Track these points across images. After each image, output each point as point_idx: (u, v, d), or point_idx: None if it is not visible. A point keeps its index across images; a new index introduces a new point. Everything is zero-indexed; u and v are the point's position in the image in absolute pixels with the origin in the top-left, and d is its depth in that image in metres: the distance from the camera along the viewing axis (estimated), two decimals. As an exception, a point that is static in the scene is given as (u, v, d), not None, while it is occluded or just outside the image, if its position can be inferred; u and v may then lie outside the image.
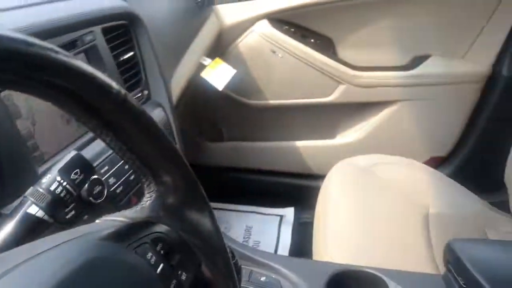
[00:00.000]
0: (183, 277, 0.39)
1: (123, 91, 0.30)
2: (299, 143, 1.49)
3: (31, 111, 0.55)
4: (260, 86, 1.39)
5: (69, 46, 0.64)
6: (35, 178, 0.48)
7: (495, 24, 1.31)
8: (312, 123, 1.47)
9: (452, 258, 0.76)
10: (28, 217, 0.39)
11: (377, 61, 1.38)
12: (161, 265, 0.36)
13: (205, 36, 1.17)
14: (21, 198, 0.43)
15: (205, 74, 1.12)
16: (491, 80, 1.36)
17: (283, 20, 1.33)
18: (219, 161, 1.57)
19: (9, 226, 0.40)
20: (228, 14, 1.30)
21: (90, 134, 0.64)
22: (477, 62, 1.35)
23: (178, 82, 0.96)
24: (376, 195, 1.17)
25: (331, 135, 1.49)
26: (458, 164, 1.47)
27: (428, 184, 1.26)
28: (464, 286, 0.74)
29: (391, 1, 1.31)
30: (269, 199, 1.58)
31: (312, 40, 1.35)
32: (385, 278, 0.81)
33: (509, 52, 1.32)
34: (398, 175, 1.26)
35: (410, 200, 1.18)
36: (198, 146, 1.54)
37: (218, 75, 1.15)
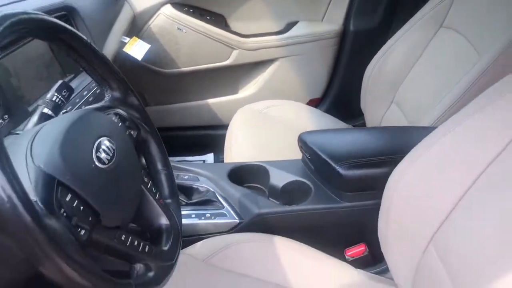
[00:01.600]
0: (136, 131, 0.77)
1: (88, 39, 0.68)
2: (210, 101, 1.88)
3: (16, 72, 0.91)
4: (172, 57, 1.75)
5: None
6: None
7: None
8: (218, 83, 1.86)
9: (302, 143, 1.18)
10: (43, 115, 0.75)
11: (260, 29, 1.79)
12: (121, 123, 0.74)
13: (122, 21, 1.51)
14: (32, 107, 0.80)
15: (126, 49, 1.47)
16: (343, 35, 1.82)
17: (182, 4, 1.70)
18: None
19: (32, 122, 0.75)
20: (138, 3, 1.65)
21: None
22: (332, 23, 1.81)
23: (106, 56, 1.31)
24: (267, 127, 1.56)
25: (234, 91, 1.89)
26: (330, 101, 1.93)
27: (308, 118, 1.66)
28: (309, 158, 1.17)
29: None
30: (193, 149, 1.95)
31: (208, 17, 1.74)
32: (266, 166, 1.22)
33: (352, 12, 1.78)
34: (285, 113, 1.64)
35: (293, 128, 1.58)
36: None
37: (137, 49, 1.50)
